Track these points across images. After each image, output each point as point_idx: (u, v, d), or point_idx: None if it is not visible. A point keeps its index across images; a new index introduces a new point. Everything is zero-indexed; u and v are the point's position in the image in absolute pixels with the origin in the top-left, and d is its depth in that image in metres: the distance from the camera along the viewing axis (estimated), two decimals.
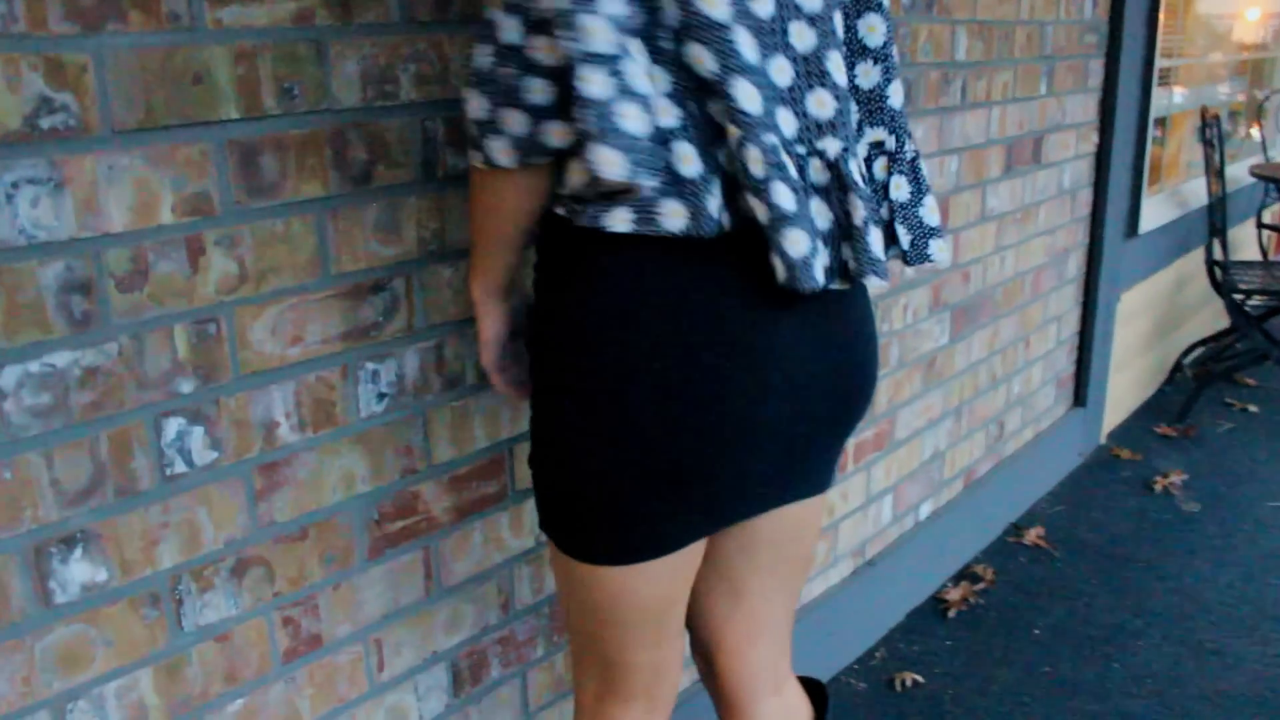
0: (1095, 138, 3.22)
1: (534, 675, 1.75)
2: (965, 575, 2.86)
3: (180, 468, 1.26)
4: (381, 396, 1.44)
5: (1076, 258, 3.28)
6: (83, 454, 1.18)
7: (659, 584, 1.28)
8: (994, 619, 2.68)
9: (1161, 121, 3.83)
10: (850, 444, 2.35)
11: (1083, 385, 3.45)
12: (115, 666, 1.25)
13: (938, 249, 1.33)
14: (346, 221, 1.37)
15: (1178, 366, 4.25)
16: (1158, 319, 4.03)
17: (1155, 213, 3.73)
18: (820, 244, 1.16)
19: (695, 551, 1.30)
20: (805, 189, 1.16)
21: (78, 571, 1.20)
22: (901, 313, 2.43)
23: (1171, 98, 3.95)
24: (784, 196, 1.11)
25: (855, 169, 1.21)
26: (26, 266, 1.11)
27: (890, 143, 1.29)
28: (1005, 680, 2.43)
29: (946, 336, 2.63)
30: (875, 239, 1.19)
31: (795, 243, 1.12)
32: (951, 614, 2.69)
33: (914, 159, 1.32)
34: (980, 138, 2.62)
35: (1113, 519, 3.17)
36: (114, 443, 1.20)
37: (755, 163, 1.10)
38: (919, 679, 2.44)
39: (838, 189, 1.19)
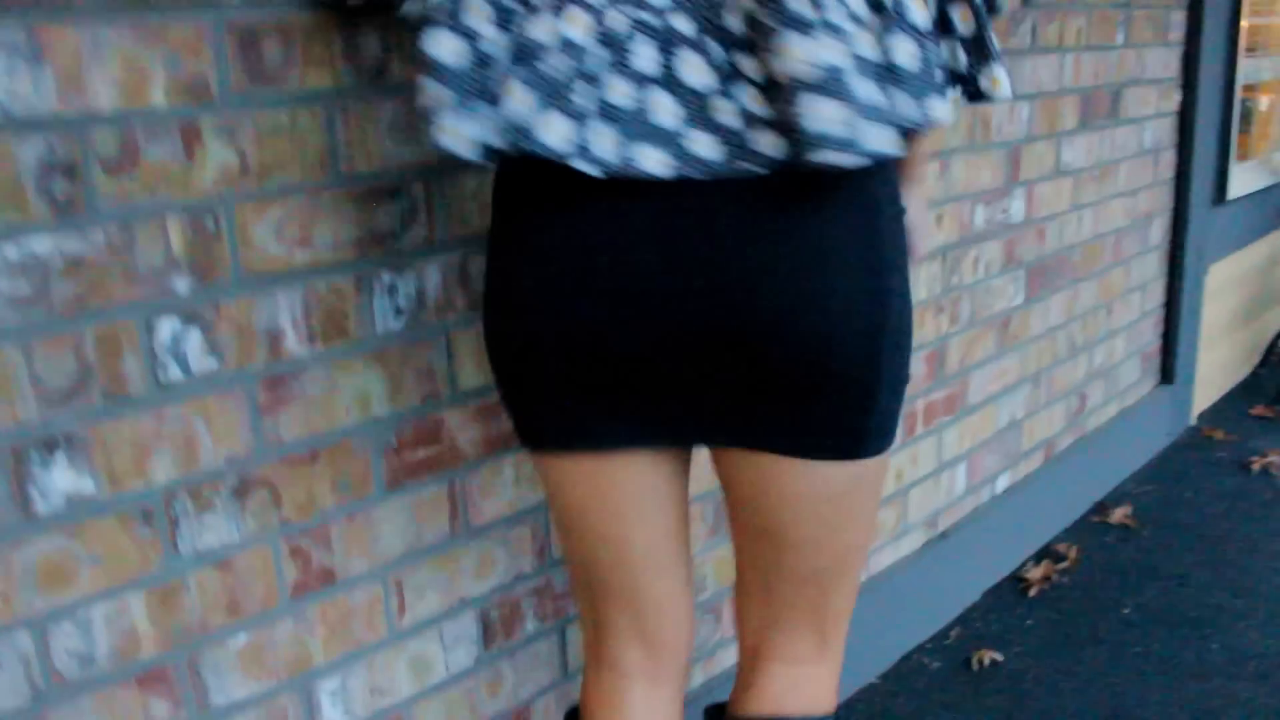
0: (1178, 96, 3.04)
1: (574, 632, 1.62)
2: (1047, 554, 2.68)
3: (175, 374, 1.16)
4: (399, 312, 1.33)
5: (1160, 224, 3.09)
6: (66, 351, 1.08)
7: (580, 487, 1.16)
8: (1079, 598, 2.49)
9: (1251, 88, 3.61)
10: (919, 405, 2.20)
11: (1170, 361, 3.24)
12: (103, 587, 1.14)
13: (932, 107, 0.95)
14: (359, 118, 1.27)
15: (1272, 348, 4.01)
16: (1249, 296, 3.81)
17: (1245, 179, 3.52)
18: (606, 124, 0.95)
19: (628, 480, 1.16)
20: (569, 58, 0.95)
21: (60, 479, 1.10)
22: (972, 266, 2.27)
23: (1261, 63, 3.74)
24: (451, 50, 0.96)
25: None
26: (2, 141, 1.02)
27: None
28: (1094, 661, 2.25)
29: (1022, 296, 2.47)
30: (725, 120, 0.95)
31: (549, 128, 0.94)
32: (1032, 593, 2.51)
33: None
34: (1053, 85, 2.46)
35: (1206, 499, 2.96)
36: (101, 341, 1.11)
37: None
38: (997, 657, 2.26)
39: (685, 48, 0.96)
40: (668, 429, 1.10)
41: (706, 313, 0.98)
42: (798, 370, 1.00)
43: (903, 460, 2.19)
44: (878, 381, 1.03)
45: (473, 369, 1.41)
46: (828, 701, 1.27)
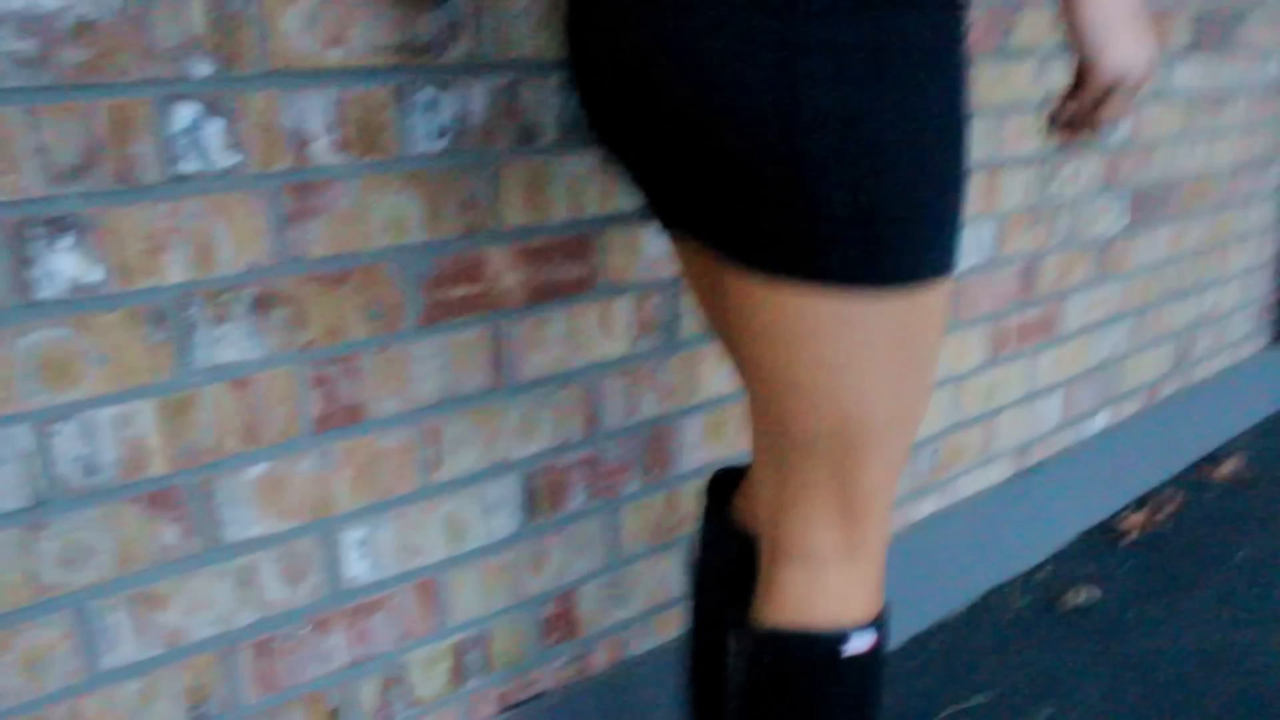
0: None
1: (627, 514, 1.50)
2: (1146, 502, 2.49)
3: (194, 165, 1.08)
4: (442, 133, 1.24)
5: None
6: (75, 122, 1.00)
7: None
8: (1183, 545, 2.30)
9: None
10: (1011, 322, 2.04)
11: None
12: (110, 390, 1.06)
13: None
14: None
15: None
16: None
17: None
18: None
19: (685, 263, 1.19)
20: None
21: (66, 264, 1.02)
22: (1070, 180, 2.11)
23: None
24: None
25: None
26: None
27: None
28: (1198, 606, 2.06)
29: (1124, 222, 2.30)
30: None
31: None
32: (1130, 539, 2.32)
33: None
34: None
35: None
36: (114, 117, 1.02)
37: None
38: (1090, 597, 2.09)
39: None
40: (660, 213, 1.04)
41: (626, 87, 0.94)
42: (692, 144, 0.91)
43: (993, 379, 2.04)
44: (807, 178, 0.88)
45: (520, 206, 1.31)
46: (861, 609, 1.07)
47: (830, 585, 1.06)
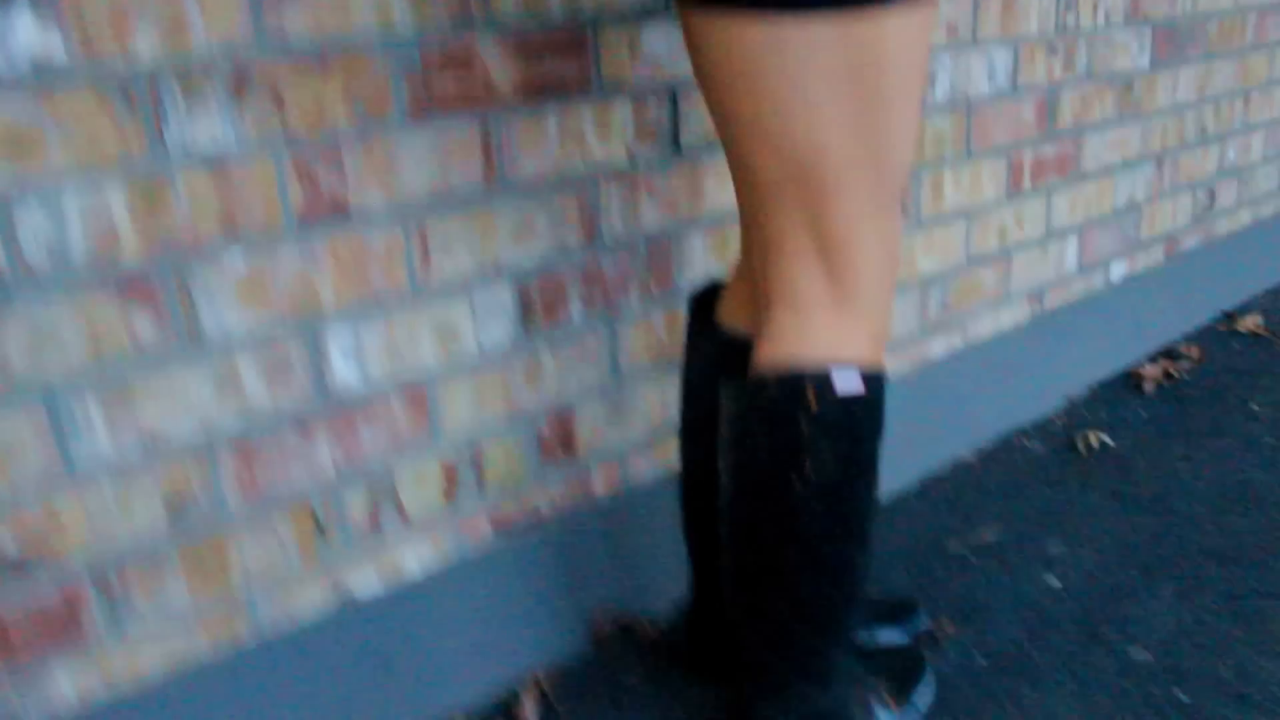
0: None
1: (626, 331, 1.45)
2: (1165, 354, 2.43)
3: None
4: None
5: None
6: None
7: None
8: (1201, 394, 2.25)
9: None
10: (1026, 155, 1.96)
11: None
12: (76, 169, 1.00)
13: None
14: None
15: None
16: None
17: None
18: None
19: None
20: None
21: (22, 32, 0.95)
22: (1091, 10, 2.01)
23: None
24: None
25: None
26: None
27: None
28: (1214, 451, 2.01)
29: (1147, 59, 2.20)
30: None
31: None
32: (1148, 388, 2.27)
33: None
34: None
35: None
36: None
37: None
38: (1107, 441, 2.05)
39: None
40: None
41: None
42: None
43: (1006, 217, 1.97)
44: None
45: None
46: (852, 356, 1.05)
47: (818, 330, 1.06)
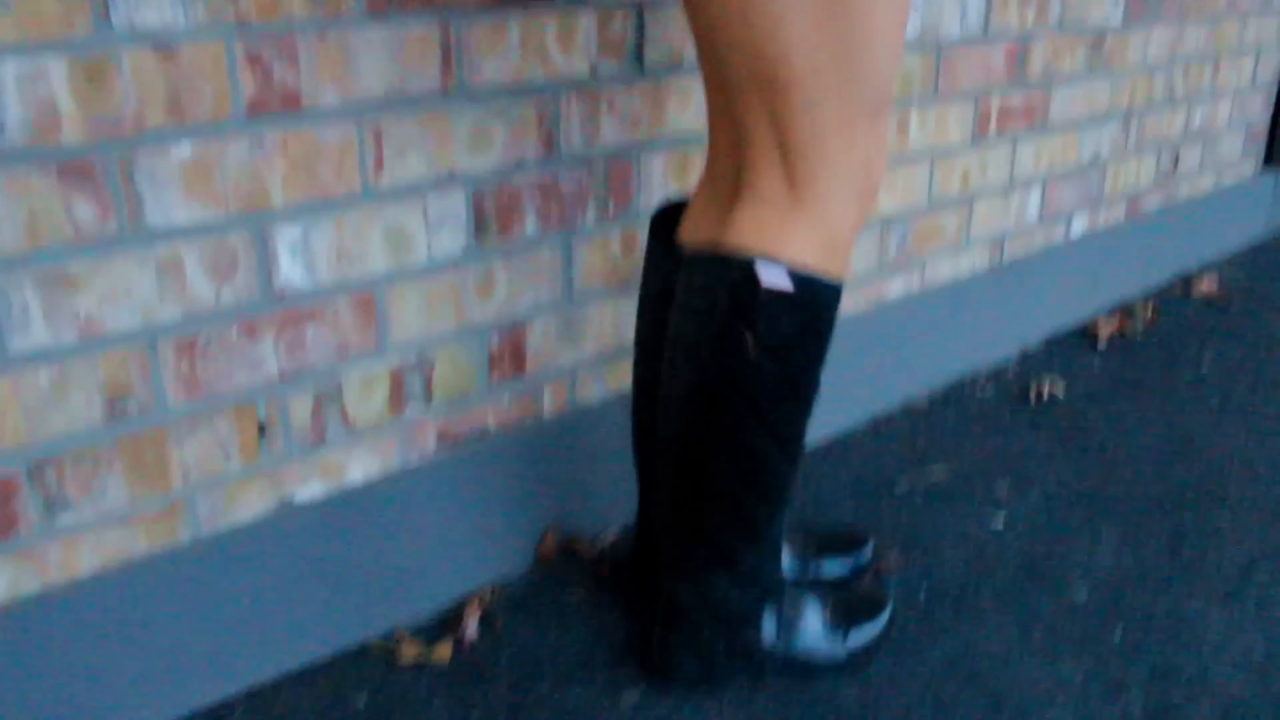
0: None
1: (581, 248, 1.43)
2: (1120, 311, 2.45)
3: None
4: None
5: None
6: None
7: None
8: (1154, 353, 2.27)
9: None
10: (993, 102, 1.96)
11: (1277, 145, 2.95)
12: (15, 40, 0.97)
13: None
14: None
15: None
16: None
17: None
18: None
19: None
20: None
21: None
22: None
23: None
24: None
25: None
26: None
27: None
28: (1163, 404, 2.03)
29: (1120, 16, 2.19)
30: None
31: None
32: (1101, 343, 2.29)
33: None
34: None
35: None
36: None
37: None
38: (1057, 393, 2.06)
39: None
40: None
41: None
42: None
43: (970, 162, 1.96)
44: None
45: None
46: (803, 254, 1.07)
47: (774, 224, 1.08)
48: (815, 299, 1.07)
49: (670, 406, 1.15)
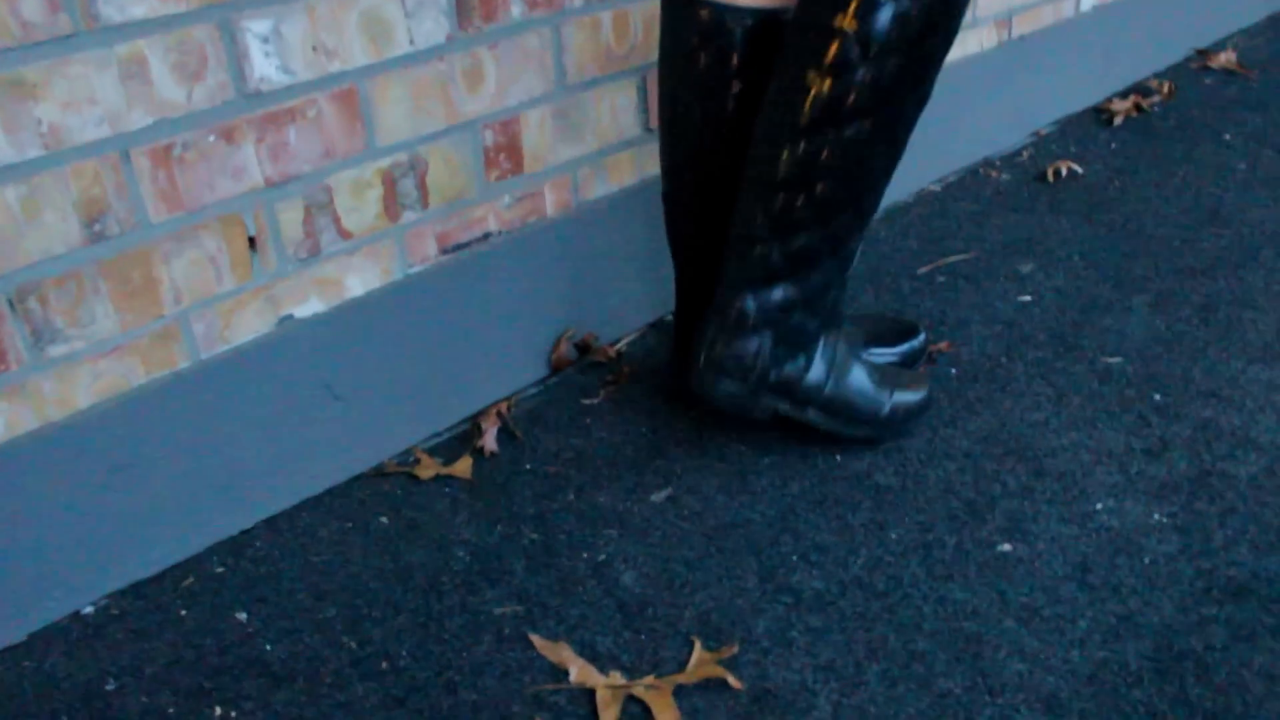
0: None
1: (571, 33, 1.34)
2: (1135, 90, 2.35)
3: None
4: None
5: None
6: None
7: None
8: (1173, 126, 2.18)
9: None
10: None
11: None
12: None
13: None
14: None
15: None
16: None
17: None
18: None
19: None
20: None
21: None
22: None
23: None
24: None
25: None
26: None
27: None
28: (1186, 176, 1.96)
29: None
30: None
31: None
32: (1118, 121, 2.20)
33: None
34: None
35: None
36: None
37: None
38: (1076, 169, 1.99)
39: None
40: None
41: None
42: None
43: None
44: None
45: None
46: None
47: None
48: None
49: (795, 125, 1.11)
